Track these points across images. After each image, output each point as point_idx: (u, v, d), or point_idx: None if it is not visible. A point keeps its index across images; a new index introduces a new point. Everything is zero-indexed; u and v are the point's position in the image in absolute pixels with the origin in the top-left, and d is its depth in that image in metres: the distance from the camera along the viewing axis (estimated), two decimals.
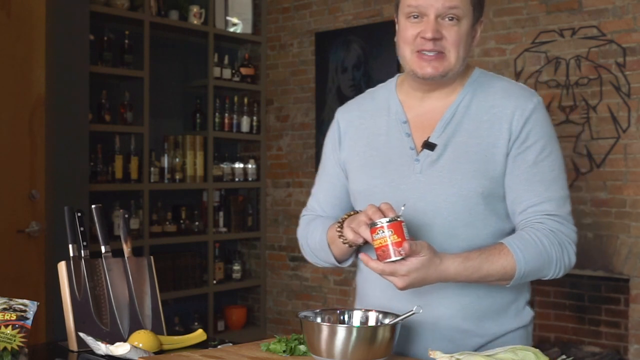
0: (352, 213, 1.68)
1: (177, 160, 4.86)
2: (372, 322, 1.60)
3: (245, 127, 5.20)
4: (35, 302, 1.83)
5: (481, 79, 1.73)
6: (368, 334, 1.47)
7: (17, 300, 1.81)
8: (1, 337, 1.74)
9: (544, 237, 1.60)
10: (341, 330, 1.46)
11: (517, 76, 4.14)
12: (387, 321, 1.56)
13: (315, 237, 1.80)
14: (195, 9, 4.92)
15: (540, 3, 4.07)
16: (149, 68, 4.59)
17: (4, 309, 1.78)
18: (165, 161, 4.81)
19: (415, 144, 1.69)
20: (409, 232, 1.51)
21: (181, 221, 4.91)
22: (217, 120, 5.07)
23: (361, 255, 1.55)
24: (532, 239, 1.60)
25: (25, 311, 1.79)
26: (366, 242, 1.60)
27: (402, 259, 1.48)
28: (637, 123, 3.79)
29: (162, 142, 4.87)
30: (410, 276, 1.50)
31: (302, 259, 4.75)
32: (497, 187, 1.65)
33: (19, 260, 3.62)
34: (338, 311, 1.64)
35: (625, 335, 4.00)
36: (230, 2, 5.20)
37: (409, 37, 1.65)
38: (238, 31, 5.23)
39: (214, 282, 5.03)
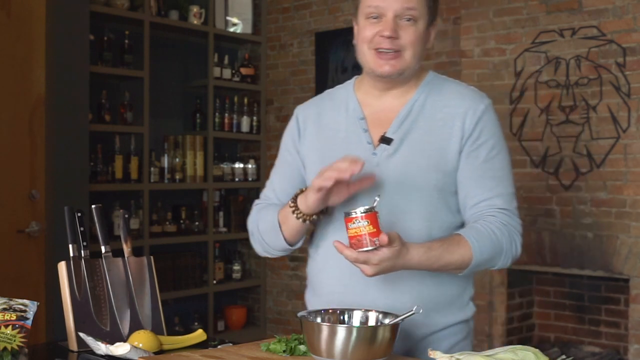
0: (304, 189, 1.74)
1: (177, 160, 4.86)
2: (372, 322, 1.60)
3: (245, 127, 5.20)
4: (35, 302, 1.83)
5: (435, 80, 1.83)
6: (368, 334, 1.47)
7: (17, 300, 1.81)
8: (1, 337, 1.74)
9: (496, 229, 1.69)
10: (341, 330, 1.46)
11: (517, 76, 4.14)
12: (387, 321, 1.56)
13: (267, 219, 1.83)
14: (195, 9, 4.92)
15: (540, 3, 4.06)
16: (149, 68, 4.59)
17: (4, 309, 1.78)
18: (165, 161, 4.81)
19: (373, 139, 1.77)
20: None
21: (181, 221, 4.91)
22: (217, 120, 5.07)
23: (336, 243, 1.59)
24: (487, 230, 1.69)
25: (25, 311, 1.79)
26: (325, 211, 1.71)
27: (375, 248, 1.54)
28: (637, 123, 3.79)
29: (162, 142, 4.87)
30: (381, 265, 1.56)
31: (302, 259, 4.75)
32: (449, 181, 1.74)
33: (19, 260, 3.62)
34: (338, 311, 1.64)
35: (625, 335, 4.00)
36: (230, 2, 5.20)
37: (368, 36, 1.73)
38: (238, 31, 5.23)
39: (214, 282, 5.03)
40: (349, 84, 1.89)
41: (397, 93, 1.80)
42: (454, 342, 1.81)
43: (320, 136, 1.85)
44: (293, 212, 1.72)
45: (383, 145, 1.74)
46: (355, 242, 1.54)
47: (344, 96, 1.86)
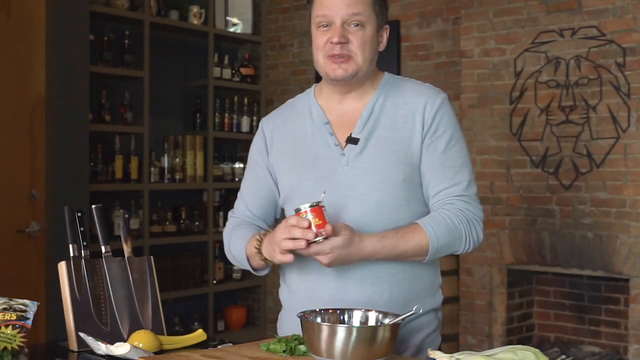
0: (268, 231, 1.82)
1: (177, 160, 4.86)
2: (372, 322, 1.60)
3: (245, 127, 5.20)
4: (35, 302, 1.83)
5: (391, 81, 1.91)
6: (368, 334, 1.47)
7: (17, 300, 1.81)
8: (1, 337, 1.74)
9: (453, 215, 1.77)
10: (341, 330, 1.46)
11: (517, 76, 4.14)
12: (387, 321, 1.56)
13: (236, 246, 1.91)
14: (195, 9, 4.92)
15: (540, 3, 4.06)
16: (149, 68, 4.59)
17: (4, 309, 1.78)
18: (165, 161, 4.81)
19: (339, 141, 1.85)
20: (337, 218, 1.74)
21: (181, 221, 4.91)
22: (217, 120, 5.07)
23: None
24: (443, 217, 1.77)
25: (25, 311, 1.79)
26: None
27: (325, 239, 1.63)
28: (637, 123, 3.79)
29: (162, 142, 4.87)
30: (334, 253, 1.65)
31: None
32: (416, 173, 1.83)
33: (19, 260, 3.62)
34: (338, 311, 1.64)
35: (625, 335, 4.00)
36: (230, 2, 5.20)
37: (320, 44, 1.81)
38: (238, 31, 5.24)
39: (214, 282, 5.03)
40: (309, 92, 1.96)
41: (356, 95, 1.87)
42: (427, 333, 1.88)
43: (288, 144, 1.91)
44: (257, 253, 1.80)
45: (350, 146, 1.82)
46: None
47: (306, 104, 1.94)
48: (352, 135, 1.83)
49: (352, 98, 1.88)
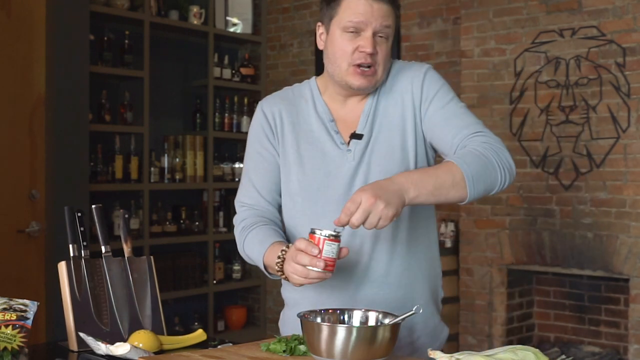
0: (287, 247, 1.68)
1: (177, 160, 4.86)
2: (372, 322, 1.60)
3: (245, 127, 5.20)
4: (35, 302, 1.83)
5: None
6: (368, 334, 1.47)
7: (17, 300, 1.81)
8: (1, 337, 1.75)
9: (477, 146, 1.70)
10: (341, 330, 1.46)
11: (517, 76, 4.14)
12: (387, 321, 1.56)
13: (252, 250, 1.84)
14: (195, 9, 4.92)
15: (540, 3, 4.06)
16: (149, 68, 4.59)
17: (4, 309, 1.78)
18: (165, 161, 4.81)
19: (344, 139, 1.84)
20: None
21: (181, 221, 4.91)
22: (217, 120, 5.07)
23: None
24: (467, 150, 1.69)
25: (25, 311, 1.79)
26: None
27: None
28: (637, 123, 3.79)
29: (162, 142, 4.87)
30: (373, 190, 1.53)
31: None
32: (421, 153, 1.82)
33: (19, 260, 3.62)
34: (338, 311, 1.64)
35: (625, 335, 4.00)
36: (230, 2, 5.20)
37: (348, 50, 1.76)
38: (238, 31, 5.23)
39: (214, 282, 5.03)
40: (312, 85, 1.92)
41: (359, 97, 1.87)
42: (432, 327, 1.89)
43: (294, 133, 1.88)
44: (278, 272, 1.71)
45: (355, 141, 1.82)
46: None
47: (309, 97, 1.91)
48: (356, 132, 1.83)
49: (355, 99, 1.88)
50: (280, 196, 1.91)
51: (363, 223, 1.52)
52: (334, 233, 1.54)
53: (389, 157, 1.80)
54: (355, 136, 1.82)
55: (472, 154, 1.67)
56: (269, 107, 1.92)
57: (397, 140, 1.81)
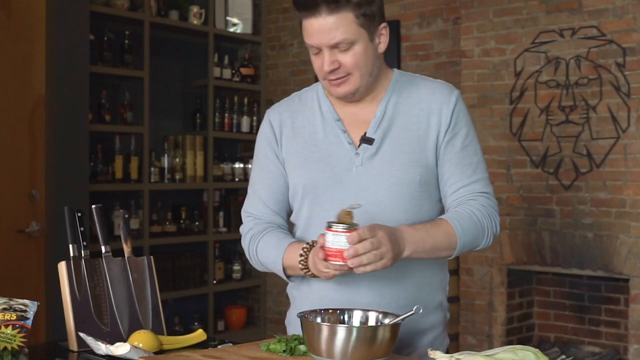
0: (310, 244, 1.72)
1: (177, 160, 4.86)
2: (372, 322, 1.60)
3: (245, 127, 5.20)
4: (35, 302, 1.83)
5: (402, 79, 1.87)
6: (368, 334, 1.47)
7: (17, 300, 1.81)
8: (1, 337, 1.75)
9: (477, 210, 1.78)
10: (341, 330, 1.46)
11: (517, 76, 4.14)
12: (387, 321, 1.56)
13: (268, 256, 1.84)
14: (195, 9, 4.92)
15: (540, 3, 4.06)
16: (149, 68, 4.59)
17: (4, 309, 1.78)
18: (165, 161, 4.81)
19: (352, 139, 1.81)
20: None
21: (181, 221, 4.91)
22: (217, 120, 5.07)
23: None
24: (467, 213, 1.77)
25: (25, 311, 1.79)
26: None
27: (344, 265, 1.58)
28: (637, 123, 3.79)
29: (162, 142, 4.87)
30: (391, 243, 1.59)
31: None
32: (430, 174, 1.81)
33: (19, 260, 3.62)
34: (338, 311, 1.64)
35: (625, 335, 4.00)
36: (230, 2, 5.19)
37: (317, 67, 1.78)
38: (238, 31, 5.23)
39: (214, 282, 5.03)
40: (317, 87, 1.92)
41: (367, 98, 1.84)
42: (437, 334, 1.88)
43: (298, 139, 1.86)
44: (302, 269, 1.73)
45: (365, 146, 1.79)
46: (333, 253, 1.58)
47: (314, 98, 1.89)
48: (367, 135, 1.79)
49: (364, 101, 1.84)
50: (288, 205, 1.91)
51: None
52: (348, 226, 1.57)
53: (398, 167, 1.77)
54: (366, 140, 1.79)
55: (470, 219, 1.76)
56: (274, 116, 1.93)
57: (415, 154, 1.78)
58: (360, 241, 1.56)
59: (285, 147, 1.88)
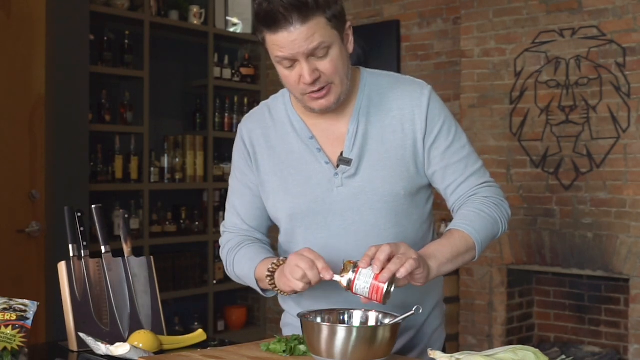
0: (280, 262, 1.67)
1: (177, 160, 4.86)
2: (372, 322, 1.60)
3: None
4: (35, 302, 1.83)
5: (370, 79, 1.77)
6: (368, 334, 1.47)
7: (17, 300, 1.81)
8: (1, 337, 1.75)
9: (481, 205, 1.72)
10: (341, 330, 1.46)
11: (517, 76, 4.14)
12: (387, 321, 1.56)
13: (242, 269, 1.81)
14: (195, 9, 4.92)
15: (540, 3, 4.06)
16: (149, 68, 4.59)
17: (4, 309, 1.78)
18: (165, 161, 4.81)
19: (329, 157, 1.73)
20: (336, 242, 1.65)
21: (181, 221, 4.91)
22: (217, 120, 5.07)
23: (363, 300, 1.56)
24: (473, 211, 1.71)
25: (25, 311, 1.79)
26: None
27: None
28: (637, 123, 3.79)
29: (162, 142, 4.87)
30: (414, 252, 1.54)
31: None
32: (415, 184, 1.74)
33: (19, 260, 3.62)
34: (338, 311, 1.64)
35: (625, 335, 4.00)
36: (230, 2, 5.19)
37: (293, 82, 1.64)
38: (238, 31, 5.23)
39: (214, 282, 5.03)
40: (285, 98, 1.81)
41: (338, 109, 1.73)
42: (434, 328, 1.88)
43: (274, 160, 1.78)
44: (270, 283, 1.69)
45: (343, 167, 1.71)
46: (374, 292, 1.52)
47: (283, 113, 1.80)
48: (344, 155, 1.71)
49: (333, 110, 1.73)
50: (268, 220, 1.86)
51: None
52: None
53: (381, 183, 1.70)
54: (344, 161, 1.71)
55: (478, 216, 1.70)
56: (246, 131, 1.84)
57: (395, 169, 1.71)
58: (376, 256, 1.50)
59: (261, 167, 1.80)
